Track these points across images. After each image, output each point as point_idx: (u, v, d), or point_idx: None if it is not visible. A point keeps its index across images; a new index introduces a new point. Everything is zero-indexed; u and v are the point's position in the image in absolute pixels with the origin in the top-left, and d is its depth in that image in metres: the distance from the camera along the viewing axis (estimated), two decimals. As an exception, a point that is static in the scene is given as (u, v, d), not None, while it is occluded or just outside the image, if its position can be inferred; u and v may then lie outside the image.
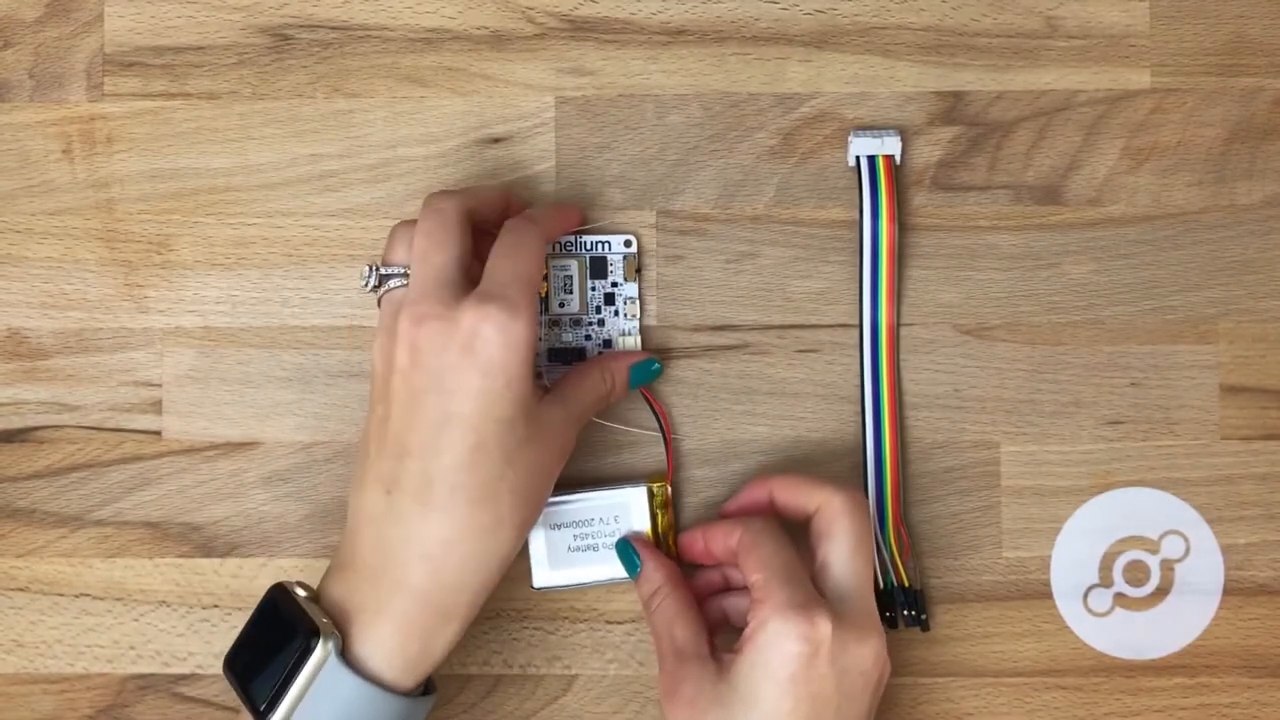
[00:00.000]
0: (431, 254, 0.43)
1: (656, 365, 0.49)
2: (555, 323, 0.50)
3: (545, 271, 0.50)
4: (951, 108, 0.50)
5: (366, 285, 0.44)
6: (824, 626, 0.41)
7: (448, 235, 0.43)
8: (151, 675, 0.51)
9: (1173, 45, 0.50)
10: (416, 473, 0.41)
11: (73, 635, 0.51)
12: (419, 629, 0.42)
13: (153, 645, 0.51)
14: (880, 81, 0.50)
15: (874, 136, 0.49)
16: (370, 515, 0.42)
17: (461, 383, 0.41)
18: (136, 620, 0.51)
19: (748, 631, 0.42)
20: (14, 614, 0.51)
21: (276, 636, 0.42)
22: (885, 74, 0.50)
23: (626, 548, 0.48)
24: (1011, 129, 0.50)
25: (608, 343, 0.50)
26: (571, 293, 0.50)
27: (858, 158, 0.49)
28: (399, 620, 0.42)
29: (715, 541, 0.46)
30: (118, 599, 0.51)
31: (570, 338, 0.50)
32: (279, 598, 0.43)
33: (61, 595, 0.51)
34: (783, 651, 0.41)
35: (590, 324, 0.50)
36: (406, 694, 0.42)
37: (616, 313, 0.50)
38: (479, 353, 0.41)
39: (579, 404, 0.46)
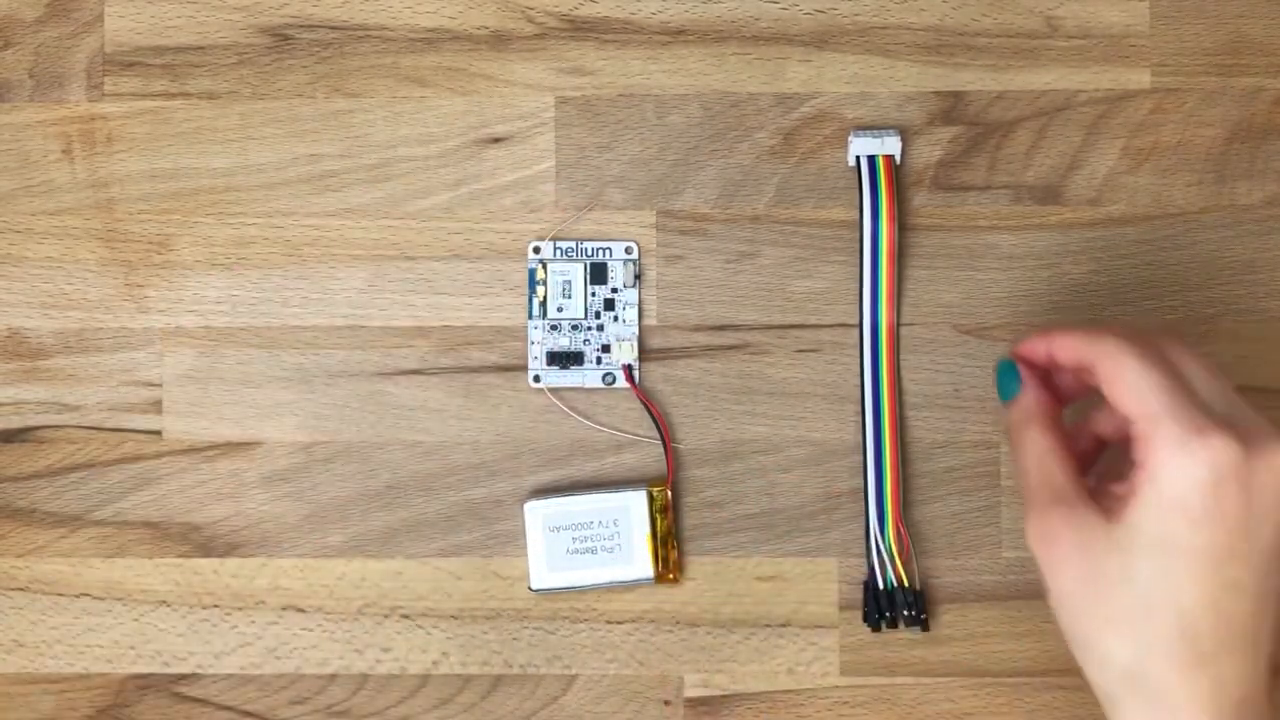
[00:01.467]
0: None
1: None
2: (555, 327, 0.50)
3: (544, 277, 0.50)
4: (951, 108, 0.50)
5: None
6: (1230, 449, 0.37)
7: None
8: (151, 675, 0.51)
9: (1173, 45, 0.50)
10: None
11: (73, 635, 0.51)
12: None
13: (153, 645, 0.51)
14: (880, 81, 0.50)
15: (874, 136, 0.49)
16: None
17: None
18: (136, 620, 0.51)
19: (1141, 471, 0.38)
20: (14, 614, 0.51)
21: None
22: (885, 74, 0.50)
23: (1009, 370, 0.44)
24: (1011, 129, 0.50)
25: (606, 347, 0.50)
26: (571, 297, 0.50)
27: (858, 158, 0.49)
28: None
29: (1064, 355, 0.42)
30: (118, 599, 0.51)
31: (568, 342, 0.50)
32: None
33: (61, 595, 0.51)
34: (1190, 485, 0.37)
35: (589, 329, 0.50)
36: None
37: (616, 318, 0.50)
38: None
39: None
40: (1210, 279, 0.50)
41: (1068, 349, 0.41)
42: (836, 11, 0.50)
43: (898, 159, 0.49)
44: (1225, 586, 0.37)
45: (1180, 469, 0.37)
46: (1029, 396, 0.43)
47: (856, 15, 0.50)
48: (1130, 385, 0.39)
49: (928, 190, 0.50)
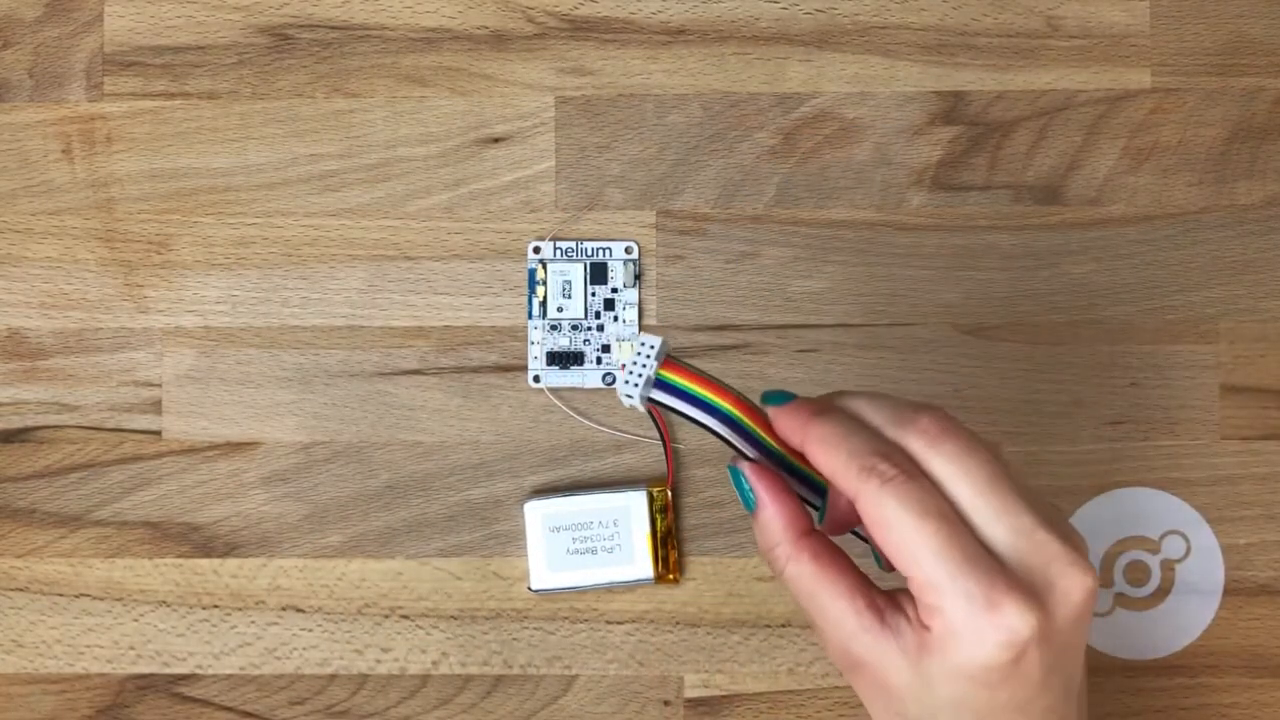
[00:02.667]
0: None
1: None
2: (555, 327, 0.50)
3: (544, 277, 0.50)
4: (952, 107, 0.50)
5: None
6: (1025, 618, 0.32)
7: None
8: (151, 675, 0.51)
9: (1173, 45, 0.50)
10: None
11: (72, 635, 0.51)
12: None
13: (152, 645, 0.50)
14: (880, 81, 0.50)
15: (633, 369, 0.37)
16: None
17: None
18: (136, 620, 0.51)
19: (930, 632, 0.33)
20: (14, 614, 0.51)
21: None
22: (885, 74, 0.50)
23: (739, 479, 0.37)
24: (1012, 129, 0.50)
25: (606, 347, 0.50)
26: (571, 297, 0.50)
27: (646, 400, 0.37)
28: None
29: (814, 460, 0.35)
30: (117, 599, 0.51)
31: (568, 342, 0.50)
32: None
33: (61, 595, 0.51)
34: (984, 660, 0.32)
35: (589, 329, 0.50)
36: None
37: (616, 318, 0.50)
38: None
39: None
40: (1210, 279, 0.50)
41: (816, 460, 0.35)
42: (836, 11, 0.50)
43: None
44: (1034, 718, 0.34)
45: (972, 646, 0.32)
46: (766, 514, 0.36)
47: (856, 15, 0.50)
48: (900, 543, 0.33)
49: (928, 190, 0.50)
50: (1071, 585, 0.33)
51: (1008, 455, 0.35)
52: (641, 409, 0.37)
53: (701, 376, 0.37)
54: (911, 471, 0.33)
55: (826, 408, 0.35)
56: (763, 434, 0.37)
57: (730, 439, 0.37)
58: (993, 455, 0.34)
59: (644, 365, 0.36)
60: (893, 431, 0.34)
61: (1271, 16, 0.50)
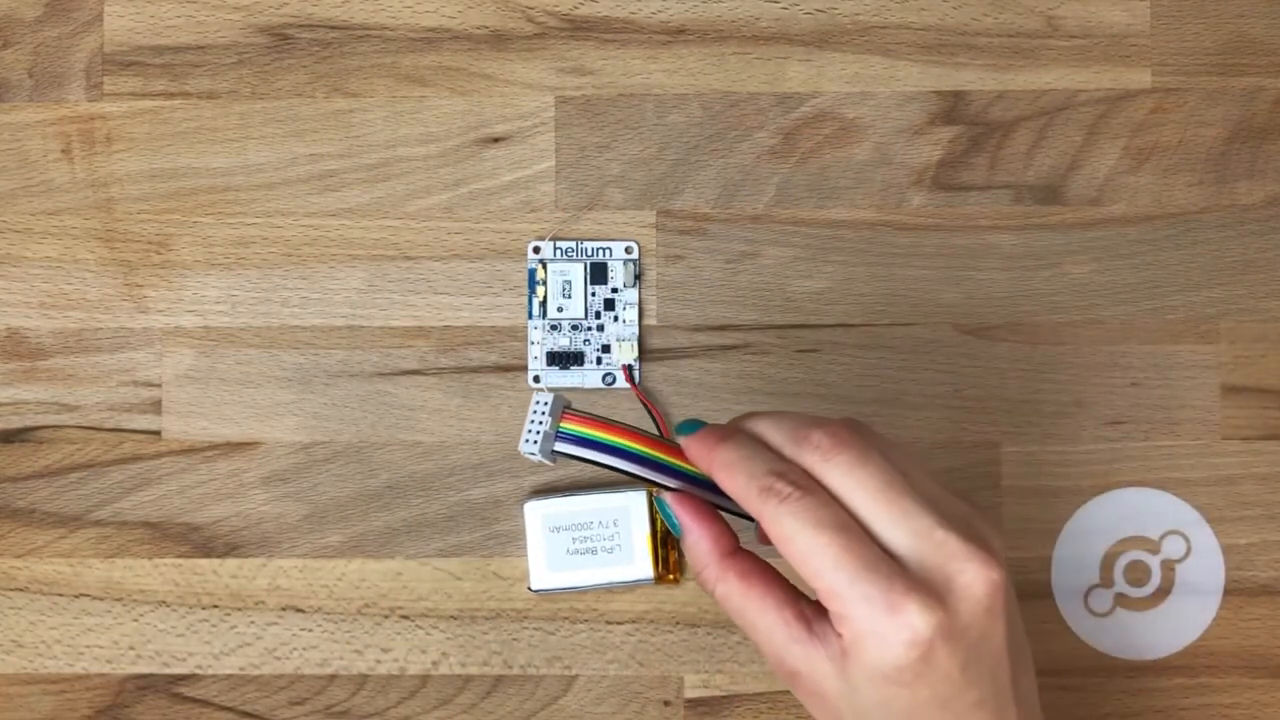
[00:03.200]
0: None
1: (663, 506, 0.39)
2: (555, 327, 0.50)
3: (544, 277, 0.50)
4: (952, 107, 0.50)
5: None
6: (926, 615, 0.33)
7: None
8: (151, 675, 0.50)
9: (1173, 45, 0.50)
10: None
11: (72, 635, 0.51)
12: None
13: (152, 645, 0.50)
14: (880, 81, 0.50)
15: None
16: None
17: None
18: (136, 620, 0.51)
19: (843, 640, 0.34)
20: (13, 614, 0.51)
21: None
22: (885, 74, 0.50)
23: (664, 507, 0.38)
24: (1012, 129, 0.50)
25: (606, 347, 0.50)
26: (571, 297, 0.50)
27: (551, 454, 0.39)
28: None
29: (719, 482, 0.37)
30: (117, 599, 0.51)
31: (568, 342, 0.50)
32: None
33: (61, 595, 0.51)
34: (894, 660, 0.34)
35: (589, 329, 0.50)
36: None
37: (616, 318, 0.50)
38: None
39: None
40: (1210, 279, 0.50)
41: (722, 484, 0.36)
42: (836, 11, 0.50)
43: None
44: (963, 714, 0.35)
45: (880, 648, 0.33)
46: (692, 537, 0.37)
47: (856, 15, 0.50)
48: (802, 555, 0.34)
49: (928, 190, 0.50)
50: (973, 580, 0.34)
51: (910, 453, 0.36)
52: (549, 462, 0.39)
53: (604, 422, 0.38)
54: (808, 486, 0.35)
55: (730, 433, 0.37)
56: (681, 463, 0.38)
57: (645, 475, 0.38)
58: (885, 462, 0.35)
59: (540, 422, 0.38)
60: (791, 450, 0.36)
61: (1271, 16, 0.50)
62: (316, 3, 0.51)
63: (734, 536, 0.38)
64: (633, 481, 0.50)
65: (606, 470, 0.38)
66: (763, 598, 0.36)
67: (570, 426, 0.38)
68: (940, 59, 0.50)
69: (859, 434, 0.36)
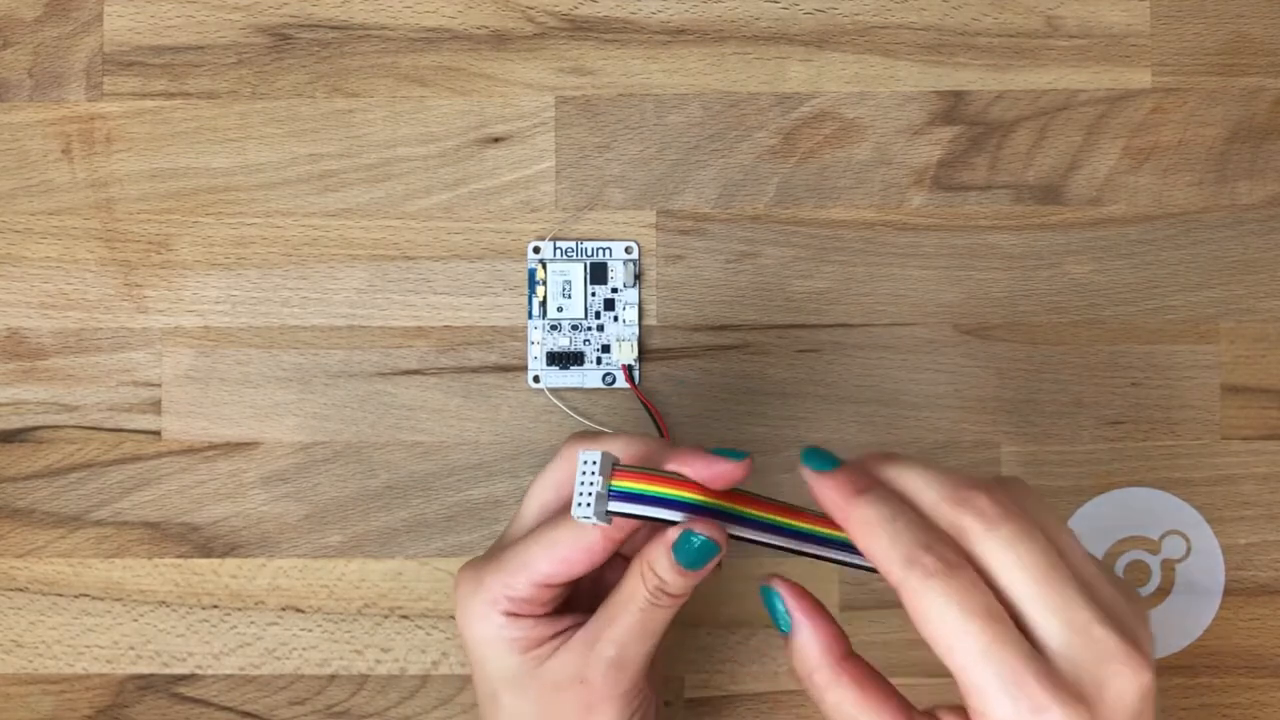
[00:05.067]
0: (530, 491, 0.41)
1: (695, 539, 0.36)
2: (555, 327, 0.50)
3: (544, 277, 0.50)
4: (952, 107, 0.50)
5: None
6: None
7: (549, 475, 0.40)
8: (151, 675, 0.50)
9: (1173, 45, 0.50)
10: None
11: (72, 635, 0.51)
12: None
13: (152, 645, 0.50)
14: (880, 81, 0.50)
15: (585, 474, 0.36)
16: None
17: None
18: (136, 620, 0.51)
19: None
20: (13, 614, 0.51)
21: None
22: (885, 74, 0.50)
23: (773, 600, 0.35)
24: (1012, 129, 0.50)
25: (606, 347, 0.50)
26: (571, 297, 0.50)
27: (607, 515, 0.37)
28: None
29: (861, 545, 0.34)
30: (117, 599, 0.51)
31: (568, 342, 0.50)
32: None
33: (61, 595, 0.51)
34: None
35: (589, 329, 0.50)
36: None
37: (616, 318, 0.50)
38: (457, 619, 0.40)
39: (611, 632, 0.38)
40: (1210, 279, 0.50)
41: (858, 541, 0.34)
42: (836, 11, 0.50)
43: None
44: None
45: None
46: (803, 636, 0.35)
47: (856, 15, 0.50)
48: (944, 640, 0.32)
49: (928, 190, 0.50)
50: (1125, 686, 0.32)
51: (1064, 523, 0.34)
52: (606, 524, 0.36)
53: (656, 475, 0.36)
54: (956, 564, 0.32)
55: (870, 484, 0.34)
56: (742, 509, 0.36)
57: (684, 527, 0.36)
58: (1050, 540, 0.33)
59: (592, 483, 0.36)
60: (948, 511, 0.33)
61: (1271, 16, 0.50)
62: (316, 3, 0.51)
63: (847, 639, 0.35)
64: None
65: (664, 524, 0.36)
66: (879, 710, 0.34)
67: (622, 484, 0.36)
68: (940, 59, 0.50)
69: (1024, 502, 0.33)
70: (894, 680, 0.50)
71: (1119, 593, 0.34)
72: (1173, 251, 0.50)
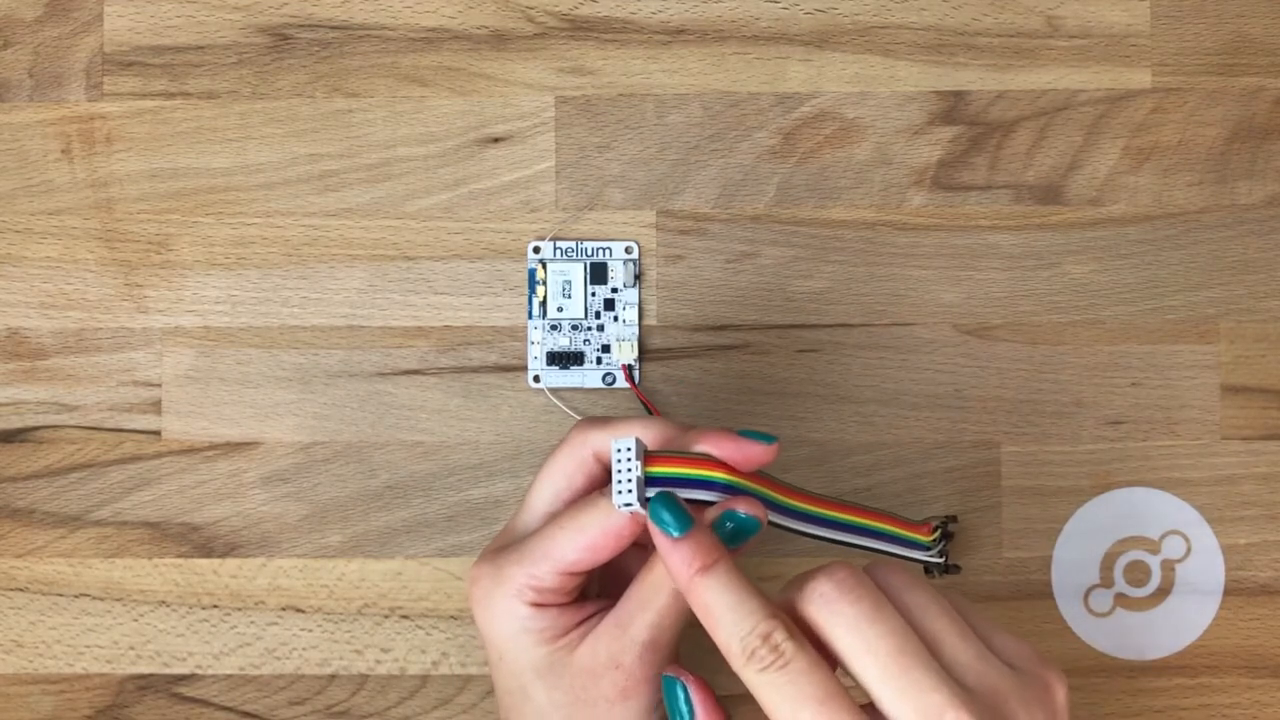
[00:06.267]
0: (535, 484, 0.41)
1: (735, 516, 0.36)
2: (555, 327, 0.50)
3: (544, 277, 0.50)
4: (952, 107, 0.50)
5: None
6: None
7: (555, 467, 0.40)
8: (151, 675, 0.50)
9: (1174, 45, 0.50)
10: None
11: (72, 635, 0.51)
12: None
13: (152, 645, 0.50)
14: (880, 81, 0.50)
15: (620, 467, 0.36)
16: None
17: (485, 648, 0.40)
18: (136, 620, 0.51)
19: None
20: (13, 614, 0.51)
21: None
22: (885, 74, 0.50)
23: (675, 689, 0.36)
24: (1012, 129, 0.50)
25: (606, 347, 0.50)
26: (571, 297, 0.50)
27: (645, 501, 0.36)
28: None
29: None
30: (117, 599, 0.51)
31: (568, 342, 0.50)
32: None
33: (61, 595, 0.51)
34: None
35: (589, 329, 0.50)
36: None
37: (616, 318, 0.50)
38: (476, 619, 0.39)
39: (645, 615, 0.38)
40: (1210, 279, 0.50)
41: (699, 616, 0.35)
42: (836, 11, 0.50)
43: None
44: None
45: None
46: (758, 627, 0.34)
47: (856, 15, 0.50)
48: (845, 641, 0.33)
49: (928, 190, 0.50)
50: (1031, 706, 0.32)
51: (939, 604, 0.34)
52: (645, 511, 0.36)
53: (690, 458, 0.36)
54: (791, 653, 0.33)
55: (717, 559, 0.34)
56: (766, 490, 0.37)
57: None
58: (899, 619, 0.33)
59: (630, 469, 0.36)
60: (794, 594, 0.34)
61: (1271, 16, 0.50)
62: (316, 3, 0.51)
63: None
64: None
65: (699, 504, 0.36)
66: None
67: (659, 469, 0.36)
68: (940, 59, 0.50)
69: (884, 578, 0.34)
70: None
71: (988, 667, 0.33)
72: (1173, 251, 0.50)
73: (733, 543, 0.36)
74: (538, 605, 0.38)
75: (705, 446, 0.37)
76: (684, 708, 0.35)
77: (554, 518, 0.39)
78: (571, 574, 0.38)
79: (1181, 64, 0.50)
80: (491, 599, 0.39)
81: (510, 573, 0.38)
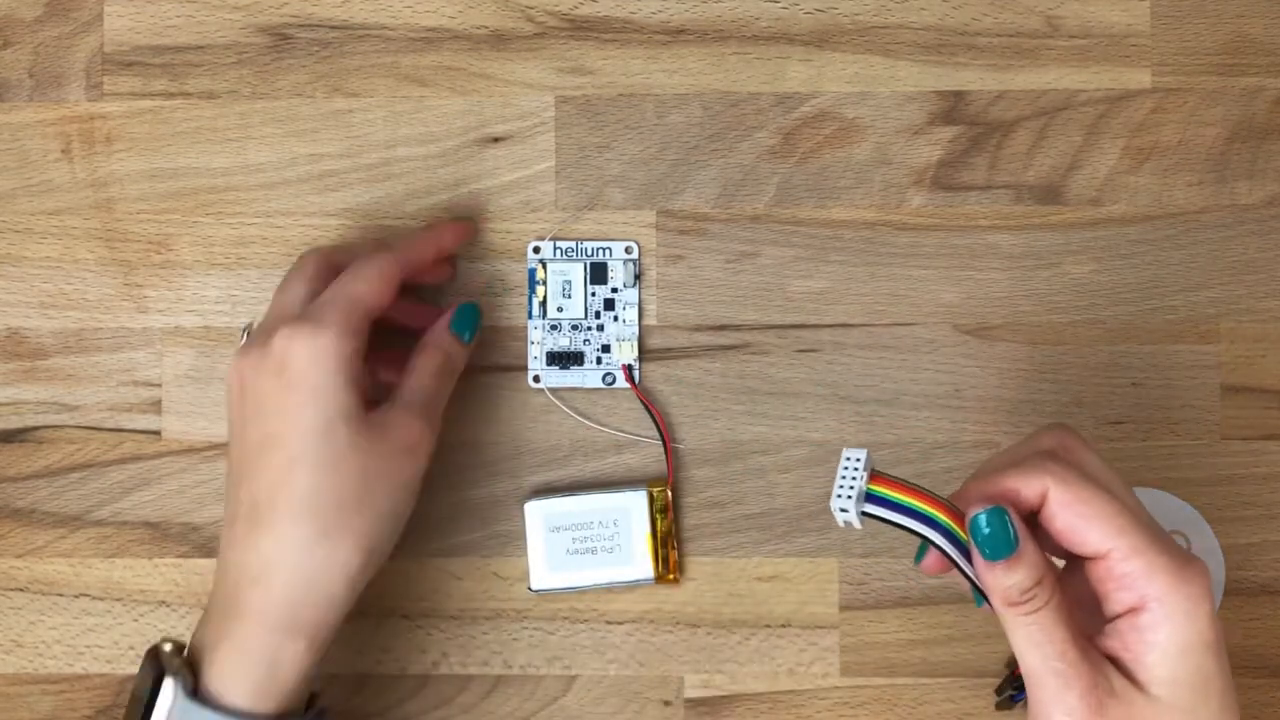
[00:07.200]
0: (279, 297, 0.45)
1: (469, 307, 0.48)
2: (555, 327, 0.50)
3: (544, 277, 0.50)
4: (952, 107, 0.50)
5: (240, 343, 0.46)
6: (1204, 571, 0.35)
7: (295, 276, 0.45)
8: (151, 675, 0.50)
9: (1173, 45, 0.50)
10: (246, 498, 0.42)
11: (72, 635, 0.51)
12: (260, 651, 0.41)
13: (152, 645, 0.50)
14: (880, 81, 0.50)
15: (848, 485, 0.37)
16: (221, 550, 0.43)
17: (276, 404, 0.42)
18: (136, 620, 0.51)
19: (1142, 620, 0.35)
20: (14, 614, 0.51)
21: (141, 690, 0.42)
22: (885, 73, 0.50)
23: (1001, 519, 0.36)
24: (1012, 128, 0.50)
25: (606, 347, 0.50)
26: (571, 297, 0.50)
27: (861, 515, 0.37)
28: (239, 645, 0.42)
29: (1014, 493, 0.36)
30: (117, 599, 0.51)
31: (568, 342, 0.50)
32: (147, 655, 0.43)
33: (61, 595, 0.51)
34: (1202, 629, 0.34)
35: (589, 328, 0.50)
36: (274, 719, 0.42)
37: (616, 318, 0.50)
38: (287, 371, 0.42)
39: (419, 393, 0.45)
40: (1210, 279, 0.50)
41: (1010, 492, 0.36)
42: (836, 11, 0.50)
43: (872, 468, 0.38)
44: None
45: (1190, 605, 0.34)
46: (1029, 551, 0.36)
47: (856, 15, 0.50)
48: (1103, 519, 0.35)
49: (928, 190, 0.50)
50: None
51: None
52: (858, 525, 0.37)
53: (910, 487, 0.37)
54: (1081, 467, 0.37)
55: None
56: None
57: (949, 553, 0.37)
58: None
59: (854, 479, 0.36)
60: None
61: (1271, 16, 0.50)
62: (316, 3, 0.51)
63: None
64: (632, 484, 0.50)
65: (907, 533, 0.37)
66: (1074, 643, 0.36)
67: (880, 490, 0.37)
68: (940, 59, 0.50)
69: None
70: (894, 680, 0.50)
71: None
72: (1173, 251, 0.50)
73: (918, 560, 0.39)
74: (355, 355, 0.43)
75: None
76: (1012, 531, 0.36)
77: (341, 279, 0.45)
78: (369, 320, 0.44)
79: (1181, 64, 0.50)
80: (319, 345, 0.42)
81: (332, 322, 0.43)
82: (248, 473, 0.42)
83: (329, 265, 0.46)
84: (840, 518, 0.37)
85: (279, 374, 0.42)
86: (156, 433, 0.51)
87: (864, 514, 0.37)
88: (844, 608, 0.50)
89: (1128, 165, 0.50)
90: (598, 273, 0.50)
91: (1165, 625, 0.34)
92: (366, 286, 0.44)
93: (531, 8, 0.51)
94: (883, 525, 0.37)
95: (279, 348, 0.42)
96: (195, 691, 0.41)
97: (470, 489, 0.50)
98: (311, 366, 0.42)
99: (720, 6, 0.50)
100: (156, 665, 0.42)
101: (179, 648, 0.43)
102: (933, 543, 0.37)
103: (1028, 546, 0.35)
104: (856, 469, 0.37)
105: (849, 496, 0.36)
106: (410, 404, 0.45)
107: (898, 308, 0.50)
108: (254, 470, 0.42)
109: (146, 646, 0.50)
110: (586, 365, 0.50)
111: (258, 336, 0.43)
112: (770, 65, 0.50)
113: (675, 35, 0.50)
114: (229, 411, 0.44)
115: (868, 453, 0.37)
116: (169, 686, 0.41)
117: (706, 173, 0.50)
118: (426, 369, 0.46)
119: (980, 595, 0.38)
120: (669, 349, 0.50)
